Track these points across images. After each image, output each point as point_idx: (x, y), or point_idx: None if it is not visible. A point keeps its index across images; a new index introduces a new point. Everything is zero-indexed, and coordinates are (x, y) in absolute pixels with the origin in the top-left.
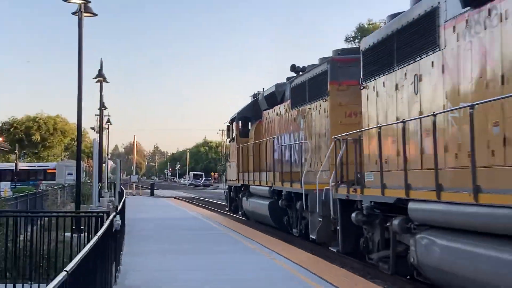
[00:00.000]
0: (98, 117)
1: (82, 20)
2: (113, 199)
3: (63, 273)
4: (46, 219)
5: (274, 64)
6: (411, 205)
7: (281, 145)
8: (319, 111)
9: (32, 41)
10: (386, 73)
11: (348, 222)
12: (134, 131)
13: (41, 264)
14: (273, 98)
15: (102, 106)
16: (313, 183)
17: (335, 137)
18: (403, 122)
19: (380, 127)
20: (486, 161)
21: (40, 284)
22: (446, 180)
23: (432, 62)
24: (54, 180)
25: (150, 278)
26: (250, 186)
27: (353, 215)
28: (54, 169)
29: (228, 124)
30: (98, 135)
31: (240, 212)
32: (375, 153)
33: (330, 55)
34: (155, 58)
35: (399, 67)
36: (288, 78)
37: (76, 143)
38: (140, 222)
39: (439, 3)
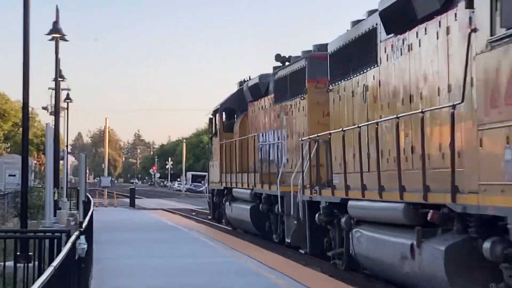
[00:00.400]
0: (53, 91)
1: None
2: (76, 212)
3: None
4: None
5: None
6: (349, 204)
7: (264, 144)
8: (298, 108)
9: None
10: (346, 79)
11: (315, 223)
12: (106, 113)
13: None
14: (257, 90)
15: (58, 76)
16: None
17: (309, 138)
18: (359, 127)
19: (344, 131)
20: (404, 166)
21: None
22: (383, 180)
23: (373, 76)
24: None
25: None
26: (233, 189)
27: (316, 216)
28: None
29: (211, 117)
30: (53, 118)
31: (223, 221)
32: (340, 156)
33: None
34: (133, 10)
35: (354, 76)
36: (274, 68)
37: (21, 129)
38: (115, 244)
39: (376, 24)
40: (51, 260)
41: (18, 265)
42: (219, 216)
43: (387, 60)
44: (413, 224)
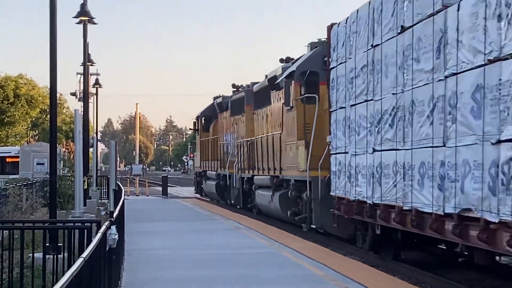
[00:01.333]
0: (82, 77)
1: None
2: (106, 201)
3: None
4: (5, 232)
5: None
6: (254, 178)
7: (224, 142)
8: (242, 121)
9: None
10: (260, 108)
11: (244, 190)
12: (137, 98)
13: None
14: (222, 106)
15: (87, 61)
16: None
17: (244, 140)
18: (261, 137)
19: (255, 139)
20: (271, 159)
21: None
22: (263, 165)
23: (268, 110)
24: (17, 173)
25: None
26: (207, 171)
27: (244, 186)
28: (17, 157)
29: (195, 121)
30: (82, 104)
31: (202, 194)
32: (255, 152)
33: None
34: None
35: (263, 108)
36: (233, 88)
37: (48, 116)
38: (147, 236)
39: (275, 75)
40: (81, 251)
41: (47, 256)
42: (201, 190)
43: (273, 102)
44: (272, 185)
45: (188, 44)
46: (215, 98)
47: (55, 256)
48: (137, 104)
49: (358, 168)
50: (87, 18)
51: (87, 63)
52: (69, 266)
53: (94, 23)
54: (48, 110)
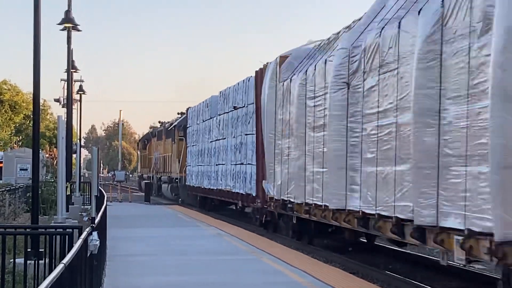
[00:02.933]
0: (65, 83)
1: None
2: (89, 207)
3: None
4: None
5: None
6: (162, 178)
7: (153, 157)
8: (160, 144)
9: None
10: (168, 139)
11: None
12: (120, 105)
13: None
14: (153, 134)
15: (71, 67)
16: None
17: (158, 156)
18: (164, 155)
19: (164, 156)
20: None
21: None
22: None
23: (169, 140)
24: (0, 179)
25: None
26: (143, 175)
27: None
28: (0, 162)
29: (138, 142)
30: (65, 110)
31: (141, 187)
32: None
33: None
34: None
35: (168, 139)
36: (160, 125)
37: (32, 122)
38: (127, 241)
39: (172, 124)
40: (63, 257)
41: (28, 262)
42: (140, 186)
43: (170, 138)
44: (167, 181)
45: (170, 51)
46: (150, 127)
47: (36, 262)
48: (120, 110)
49: (194, 172)
50: (71, 25)
51: (71, 70)
52: (50, 272)
53: (78, 30)
54: (31, 116)
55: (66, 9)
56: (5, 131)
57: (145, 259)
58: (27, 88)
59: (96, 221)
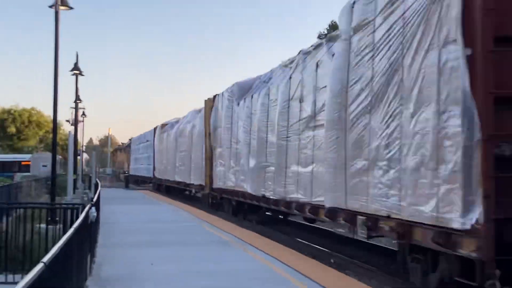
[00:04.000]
0: (74, 110)
1: (58, 13)
2: (88, 191)
3: (41, 265)
4: (21, 210)
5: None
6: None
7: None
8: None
9: (6, 33)
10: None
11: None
12: (109, 124)
13: (17, 255)
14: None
15: (77, 99)
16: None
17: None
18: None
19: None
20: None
21: (15, 275)
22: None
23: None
24: (29, 172)
25: (125, 271)
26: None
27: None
28: (29, 161)
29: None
30: (73, 127)
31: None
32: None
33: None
34: (132, 52)
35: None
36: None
37: (51, 135)
38: (114, 214)
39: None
40: (72, 223)
41: (48, 227)
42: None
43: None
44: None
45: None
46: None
47: (54, 227)
48: (109, 128)
49: (134, 169)
50: (78, 72)
51: (77, 101)
52: (64, 234)
53: (82, 75)
54: (50, 131)
55: (76, 55)
56: (32, 141)
57: (126, 225)
58: (47, 112)
59: (94, 200)
